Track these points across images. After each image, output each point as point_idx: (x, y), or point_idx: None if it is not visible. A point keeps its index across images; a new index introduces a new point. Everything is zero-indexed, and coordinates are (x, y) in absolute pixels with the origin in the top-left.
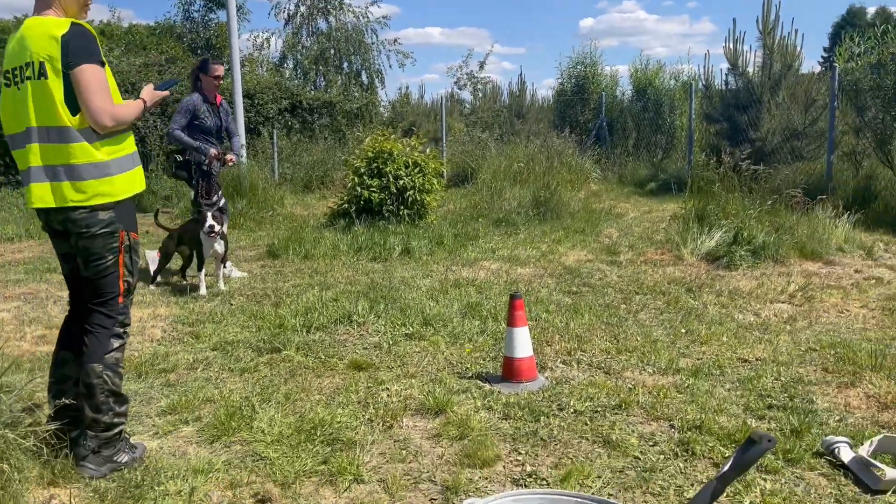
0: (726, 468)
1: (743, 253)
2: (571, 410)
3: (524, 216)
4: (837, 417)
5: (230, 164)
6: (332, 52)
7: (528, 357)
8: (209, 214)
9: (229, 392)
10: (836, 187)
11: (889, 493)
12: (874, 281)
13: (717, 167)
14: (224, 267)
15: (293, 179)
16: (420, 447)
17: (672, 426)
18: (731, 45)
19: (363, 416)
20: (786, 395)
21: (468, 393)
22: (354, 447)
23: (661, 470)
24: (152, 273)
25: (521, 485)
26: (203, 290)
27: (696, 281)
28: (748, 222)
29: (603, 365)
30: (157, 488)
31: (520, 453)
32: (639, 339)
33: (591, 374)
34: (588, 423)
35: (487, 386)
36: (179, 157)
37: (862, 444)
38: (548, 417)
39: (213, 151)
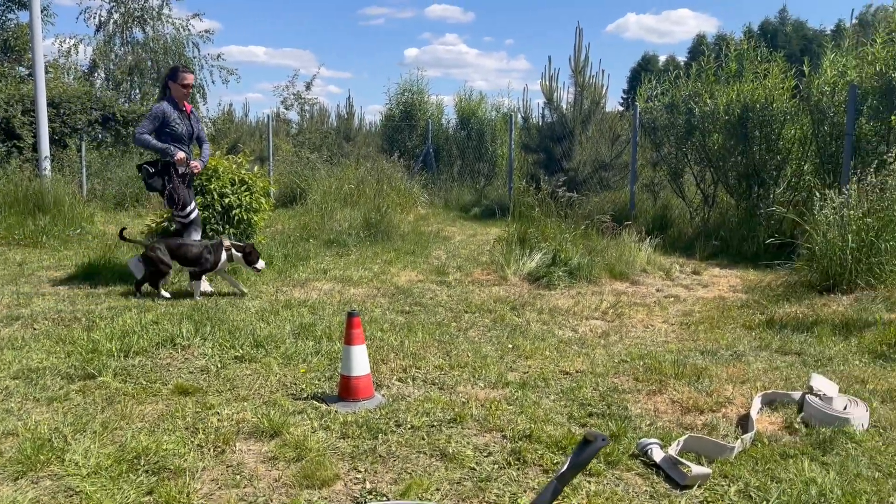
0: (564, 468)
1: (561, 273)
2: (409, 426)
3: (355, 237)
4: (648, 422)
5: (195, 171)
6: (149, 63)
7: (366, 375)
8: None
9: (35, 424)
10: (637, 215)
11: (694, 487)
12: (672, 298)
13: (535, 194)
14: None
15: (104, 196)
16: (255, 471)
17: (504, 436)
18: (547, 82)
19: (192, 442)
20: (604, 403)
21: (304, 414)
22: (183, 475)
23: (495, 479)
24: (139, 282)
25: (360, 502)
26: (208, 287)
27: (520, 300)
28: (565, 245)
29: (437, 381)
30: None
31: (359, 471)
32: (470, 355)
33: (426, 390)
34: (425, 437)
35: (324, 406)
36: (151, 169)
37: (670, 445)
38: (386, 434)
39: (180, 154)
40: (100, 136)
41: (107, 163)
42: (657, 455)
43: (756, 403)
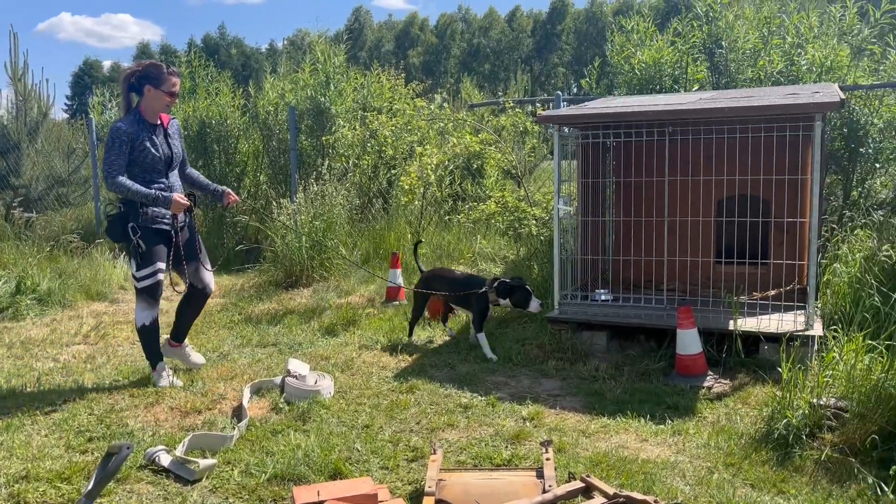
0: (91, 486)
1: (29, 302)
2: None
3: None
4: (151, 432)
5: (232, 203)
6: None
7: None
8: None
9: None
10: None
11: (203, 479)
12: None
13: None
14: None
15: None
16: None
17: None
18: None
19: None
20: (103, 425)
21: None
22: None
23: None
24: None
25: None
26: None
27: None
28: (30, 271)
29: None
30: None
31: None
32: None
33: None
34: None
35: None
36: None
37: (176, 448)
38: None
39: (175, 197)
40: None
41: None
42: (165, 460)
43: (246, 394)
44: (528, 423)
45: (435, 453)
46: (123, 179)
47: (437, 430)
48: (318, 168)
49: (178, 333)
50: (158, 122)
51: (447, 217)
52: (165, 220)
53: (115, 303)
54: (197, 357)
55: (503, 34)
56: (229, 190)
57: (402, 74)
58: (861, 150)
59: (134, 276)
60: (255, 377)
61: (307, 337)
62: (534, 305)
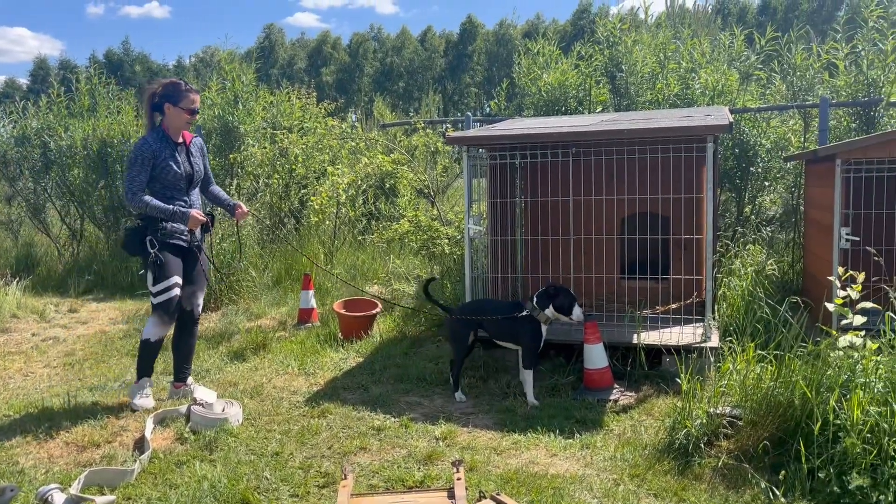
0: None
1: None
2: None
3: None
4: (44, 470)
5: (242, 217)
6: None
7: None
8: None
9: None
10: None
11: None
12: (52, 340)
13: None
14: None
15: None
16: None
17: None
18: None
19: None
20: None
21: None
22: None
23: None
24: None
25: None
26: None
27: None
28: None
29: None
30: None
31: None
32: None
33: None
34: None
35: None
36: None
37: (71, 485)
38: None
39: (193, 213)
40: None
41: None
42: (59, 499)
43: (149, 424)
44: (440, 443)
45: (346, 478)
46: (143, 195)
47: (349, 455)
48: (226, 188)
49: (178, 372)
50: (181, 140)
51: (361, 237)
52: (183, 237)
53: (6, 332)
54: (203, 391)
55: (416, 54)
56: (240, 203)
57: (314, 93)
58: (751, 168)
59: (151, 292)
60: (158, 406)
61: (215, 363)
62: (576, 313)
